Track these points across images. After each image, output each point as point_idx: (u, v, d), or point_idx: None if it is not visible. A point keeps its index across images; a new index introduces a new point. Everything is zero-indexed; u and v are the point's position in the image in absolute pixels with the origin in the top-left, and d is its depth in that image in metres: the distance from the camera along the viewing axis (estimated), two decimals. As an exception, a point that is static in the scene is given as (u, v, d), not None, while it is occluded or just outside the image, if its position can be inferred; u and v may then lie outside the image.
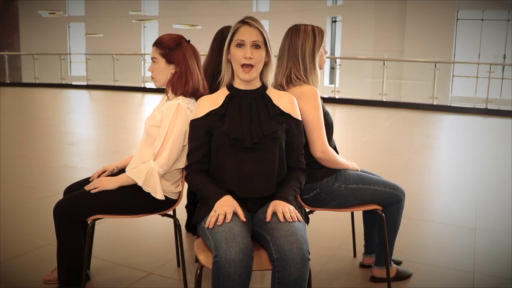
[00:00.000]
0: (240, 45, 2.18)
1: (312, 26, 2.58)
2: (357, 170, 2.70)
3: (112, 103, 12.64)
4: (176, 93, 2.50)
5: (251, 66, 2.19)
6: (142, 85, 15.30)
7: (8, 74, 16.48)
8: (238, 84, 2.27)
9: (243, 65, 2.18)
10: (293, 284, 1.83)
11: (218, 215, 1.97)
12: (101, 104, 12.80)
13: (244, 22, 2.20)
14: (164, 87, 2.57)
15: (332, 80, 16.84)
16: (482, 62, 16.27)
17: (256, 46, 2.18)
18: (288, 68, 2.54)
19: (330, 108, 2.66)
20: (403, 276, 2.89)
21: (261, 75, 2.28)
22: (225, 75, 2.30)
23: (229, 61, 2.25)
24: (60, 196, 2.56)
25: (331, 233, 3.58)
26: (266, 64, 2.26)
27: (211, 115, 2.24)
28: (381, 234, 2.72)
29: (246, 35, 2.18)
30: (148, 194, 2.40)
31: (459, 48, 17.55)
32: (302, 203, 2.49)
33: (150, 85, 14.95)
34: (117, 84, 15.33)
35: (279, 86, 2.54)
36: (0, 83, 16.02)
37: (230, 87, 2.29)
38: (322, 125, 2.48)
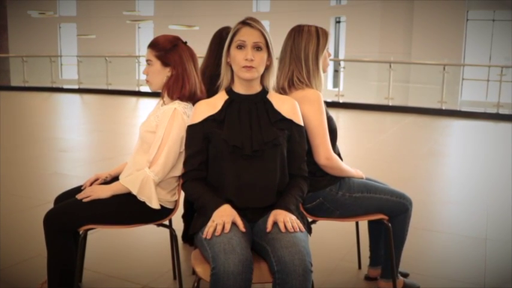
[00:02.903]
0: (241, 46, 2.18)
1: (316, 27, 2.59)
2: (362, 178, 2.70)
3: (105, 108, 12.66)
4: (172, 98, 2.51)
5: (252, 68, 2.19)
6: (136, 89, 15.33)
7: (-5, 77, 16.53)
8: (238, 88, 2.28)
9: (243, 67, 2.19)
10: (295, 297, 1.83)
11: (216, 225, 1.97)
12: (93, 108, 12.82)
13: (245, 23, 2.21)
14: (160, 91, 2.58)
15: (336, 84, 16.89)
16: (493, 64, 16.29)
17: (257, 48, 2.18)
18: (290, 71, 2.55)
19: (333, 113, 2.67)
20: (410, 290, 2.89)
21: (262, 78, 2.29)
22: (224, 79, 2.30)
23: (228, 64, 2.26)
24: (51, 205, 2.56)
25: (334, 244, 3.58)
26: (267, 67, 2.26)
27: (209, 120, 2.24)
28: (387, 245, 2.72)
29: (247, 35, 2.18)
30: (143, 203, 2.40)
31: (469, 50, 17.57)
32: (304, 213, 2.49)
33: (145, 89, 14.95)
34: (110, 87, 15.35)
35: (281, 90, 2.54)
36: (-13, 86, 16.05)
37: (229, 91, 2.29)
38: (326, 131, 2.49)
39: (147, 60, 2.56)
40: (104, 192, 2.42)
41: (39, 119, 10.14)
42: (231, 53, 2.21)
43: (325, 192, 2.56)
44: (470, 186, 5.38)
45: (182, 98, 2.50)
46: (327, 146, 2.48)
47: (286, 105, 2.31)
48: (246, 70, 2.18)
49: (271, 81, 2.31)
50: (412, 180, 5.53)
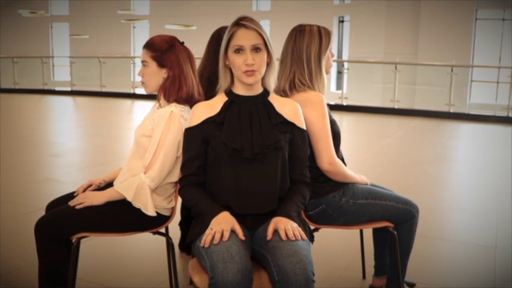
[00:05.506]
0: (239, 50, 2.19)
1: (318, 27, 2.60)
2: (367, 184, 2.70)
3: (99, 110, 12.66)
4: (169, 100, 2.51)
5: (254, 71, 2.19)
6: (131, 91, 15.33)
7: (-15, 79, 16.52)
8: (238, 90, 2.28)
9: (245, 72, 2.19)
10: (296, 308, 1.83)
11: (214, 232, 1.97)
12: (87, 111, 12.82)
13: (239, 25, 2.20)
14: (156, 93, 2.58)
15: (339, 86, 16.88)
16: (503, 65, 16.29)
17: (256, 49, 2.19)
18: (292, 72, 2.55)
19: (336, 116, 2.68)
20: (417, 300, 2.89)
21: (263, 78, 2.29)
22: (222, 82, 2.30)
23: (227, 67, 2.26)
24: (42, 212, 2.56)
25: (338, 253, 3.58)
26: (268, 65, 2.26)
27: (207, 123, 2.24)
28: (393, 254, 2.72)
29: (244, 39, 2.18)
30: (139, 210, 2.40)
31: (478, 51, 17.58)
32: (306, 220, 2.49)
33: (141, 91, 14.98)
34: (104, 90, 15.37)
35: (282, 92, 2.54)
36: (-24, 88, 16.06)
37: (229, 92, 2.30)
38: (329, 135, 2.49)
39: (142, 61, 2.56)
40: (98, 198, 2.42)
41: (30, 123, 10.14)
42: (230, 57, 2.21)
43: (328, 199, 2.56)
44: (479, 193, 5.38)
45: (179, 101, 2.50)
46: (330, 150, 2.48)
47: (288, 108, 2.31)
48: (248, 75, 2.19)
49: (272, 80, 2.31)
50: (418, 186, 5.54)
